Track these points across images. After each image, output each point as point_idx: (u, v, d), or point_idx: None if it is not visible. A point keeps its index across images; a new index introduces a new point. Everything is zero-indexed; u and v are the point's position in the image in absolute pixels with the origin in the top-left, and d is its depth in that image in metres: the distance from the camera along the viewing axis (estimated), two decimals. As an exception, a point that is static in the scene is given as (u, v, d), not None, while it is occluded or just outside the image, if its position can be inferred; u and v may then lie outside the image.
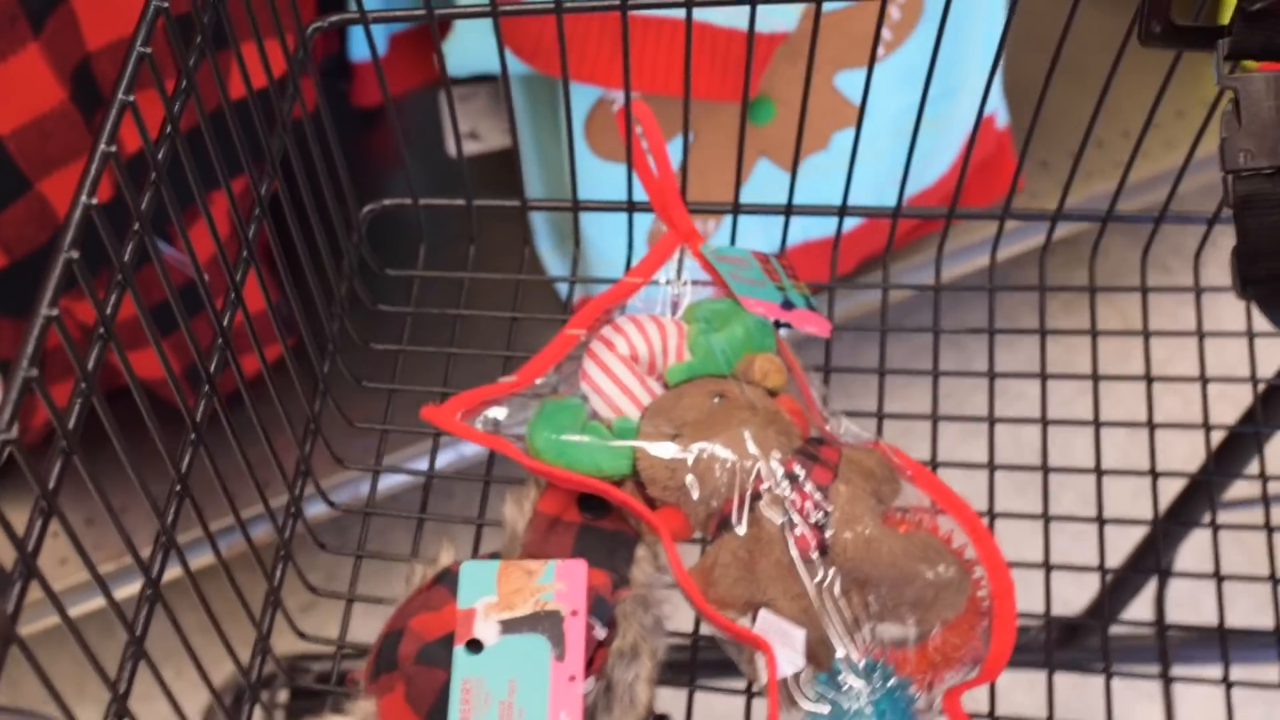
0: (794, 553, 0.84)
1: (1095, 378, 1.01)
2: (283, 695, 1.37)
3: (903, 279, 1.05)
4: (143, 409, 0.67)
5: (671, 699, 0.86)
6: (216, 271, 1.31)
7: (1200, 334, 1.04)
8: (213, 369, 0.77)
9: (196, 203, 0.75)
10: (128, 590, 1.47)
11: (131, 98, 0.67)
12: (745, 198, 1.04)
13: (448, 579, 0.85)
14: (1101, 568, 0.95)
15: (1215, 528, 0.96)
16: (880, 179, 1.58)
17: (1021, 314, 1.97)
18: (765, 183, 1.56)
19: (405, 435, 1.05)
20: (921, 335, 1.05)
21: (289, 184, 0.88)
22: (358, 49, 1.69)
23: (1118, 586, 1.48)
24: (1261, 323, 0.94)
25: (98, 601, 1.60)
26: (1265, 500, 0.97)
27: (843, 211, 1.04)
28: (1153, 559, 1.37)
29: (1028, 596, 0.87)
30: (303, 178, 0.89)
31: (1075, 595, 1.53)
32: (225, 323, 0.77)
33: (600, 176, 1.50)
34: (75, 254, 0.58)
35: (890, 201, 1.05)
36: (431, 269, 1.05)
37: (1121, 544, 1.24)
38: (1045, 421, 0.99)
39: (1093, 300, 1.06)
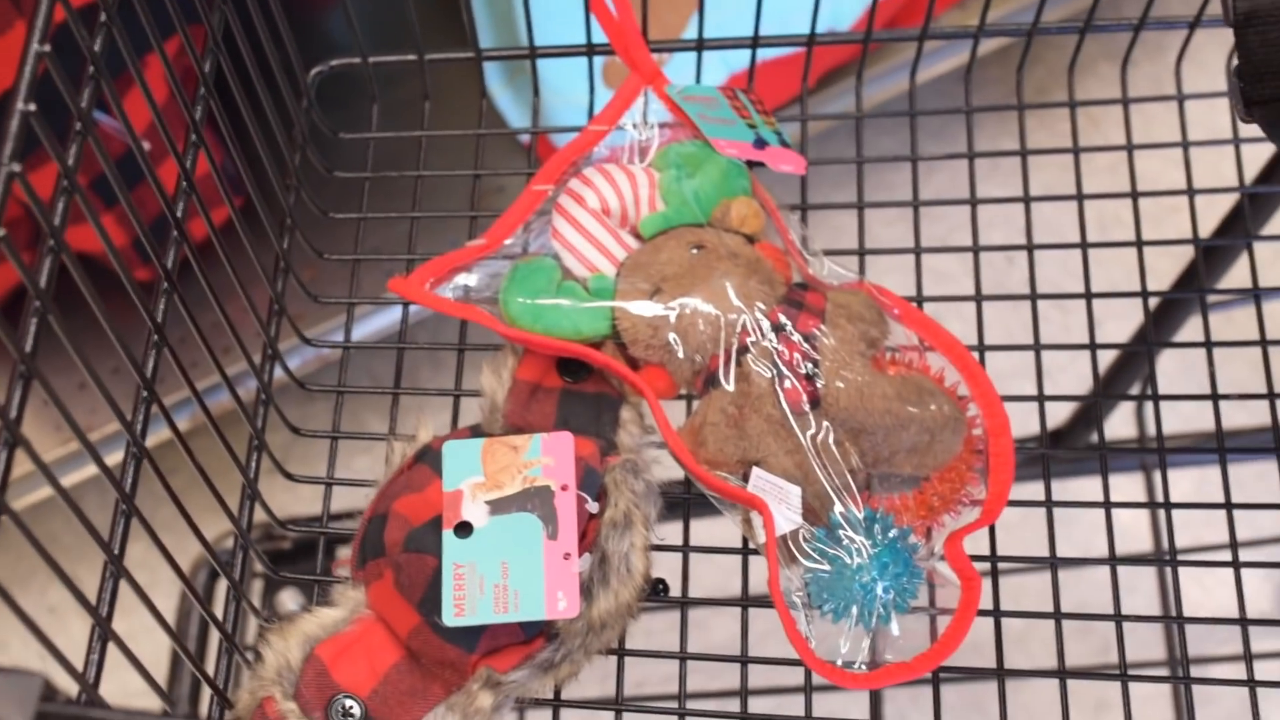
0: (785, 406, 0.81)
1: (1080, 197, 0.98)
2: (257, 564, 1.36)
3: (859, 100, 1.01)
4: (94, 306, 0.63)
5: (667, 563, 0.84)
6: (155, 137, 1.26)
7: (1185, 144, 1.01)
8: (170, 264, 0.73)
9: (130, 71, 0.70)
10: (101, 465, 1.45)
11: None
12: (695, 22, 1.00)
13: (429, 456, 0.82)
14: (1097, 394, 0.93)
15: (1210, 345, 0.93)
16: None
17: (986, 133, 1.93)
18: (716, 3, 1.50)
19: (371, 307, 1.02)
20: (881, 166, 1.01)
21: (230, 50, 0.83)
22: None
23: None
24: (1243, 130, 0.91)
25: (81, 473, 1.58)
26: (1259, 308, 0.95)
27: (811, 41, 1.00)
28: (1140, 380, 1.36)
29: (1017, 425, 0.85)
30: (245, 44, 0.84)
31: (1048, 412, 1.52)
32: (180, 214, 0.73)
33: (550, 8, 1.45)
34: (17, 167, 0.54)
35: (838, 18, 1.00)
36: (385, 130, 1.01)
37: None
38: (1031, 247, 0.96)
39: (1073, 115, 1.02)
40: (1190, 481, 1.71)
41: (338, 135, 0.99)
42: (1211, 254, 1.14)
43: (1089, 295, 0.94)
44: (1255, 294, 0.95)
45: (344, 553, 0.83)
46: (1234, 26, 0.71)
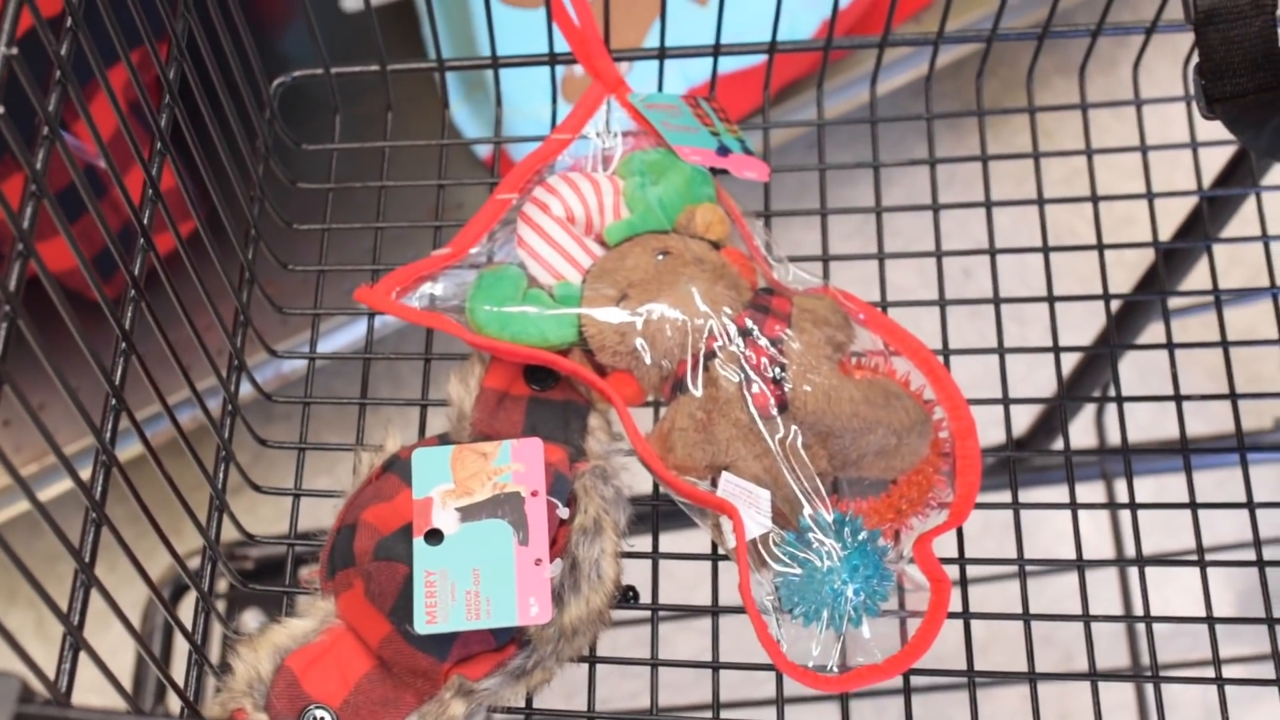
0: (753, 410, 0.81)
1: (1041, 201, 0.98)
2: (221, 586, 1.35)
3: (820, 107, 1.01)
4: (72, 326, 0.62)
5: (636, 572, 0.83)
6: (118, 148, 1.26)
7: (1144, 148, 1.01)
8: (137, 270, 0.72)
9: (96, 78, 0.70)
10: (58, 489, 1.44)
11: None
12: (654, 34, 1.00)
13: (397, 466, 0.82)
14: (1061, 397, 0.94)
15: (1171, 347, 0.94)
16: (790, 3, 1.53)
17: (942, 148, 1.93)
18: (674, 18, 1.51)
19: (336, 317, 1.01)
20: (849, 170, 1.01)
21: (195, 62, 0.83)
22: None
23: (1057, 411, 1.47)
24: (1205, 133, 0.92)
25: (41, 494, 1.56)
26: (1219, 310, 0.95)
27: (773, 49, 1.00)
28: (1099, 387, 1.36)
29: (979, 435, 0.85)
30: (209, 55, 0.83)
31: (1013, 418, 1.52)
32: (146, 220, 0.73)
33: (508, 24, 1.45)
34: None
35: (795, 31, 1.01)
36: (348, 141, 1.00)
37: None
38: (994, 251, 0.96)
39: (1033, 121, 1.03)
40: (1149, 490, 1.71)
41: (300, 146, 0.98)
42: (1170, 259, 1.14)
43: (1051, 299, 0.94)
44: (1216, 295, 0.95)
45: (306, 571, 0.82)
46: (1195, 25, 0.71)
